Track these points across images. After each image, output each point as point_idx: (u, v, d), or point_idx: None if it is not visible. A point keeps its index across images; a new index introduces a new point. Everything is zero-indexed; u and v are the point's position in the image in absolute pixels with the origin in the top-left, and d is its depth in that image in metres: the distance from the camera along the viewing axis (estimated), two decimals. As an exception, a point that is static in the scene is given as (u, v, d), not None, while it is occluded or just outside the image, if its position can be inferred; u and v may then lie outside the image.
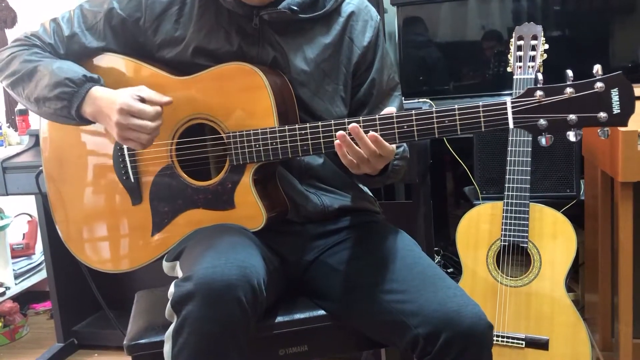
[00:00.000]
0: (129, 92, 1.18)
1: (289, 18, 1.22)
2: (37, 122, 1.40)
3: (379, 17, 1.33)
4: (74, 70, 1.23)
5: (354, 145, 1.07)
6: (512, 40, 1.73)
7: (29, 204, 2.69)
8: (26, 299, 2.88)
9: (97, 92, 1.21)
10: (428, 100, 2.08)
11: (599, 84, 0.98)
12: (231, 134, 1.21)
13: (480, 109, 1.04)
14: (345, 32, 1.28)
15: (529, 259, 1.73)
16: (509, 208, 1.72)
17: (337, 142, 1.07)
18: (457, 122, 1.05)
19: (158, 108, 1.18)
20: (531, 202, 1.72)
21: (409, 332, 1.08)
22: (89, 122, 1.25)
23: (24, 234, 2.89)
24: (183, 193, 1.26)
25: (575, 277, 2.34)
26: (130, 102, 1.16)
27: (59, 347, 2.37)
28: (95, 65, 1.32)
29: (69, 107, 1.21)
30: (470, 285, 1.77)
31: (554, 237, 1.72)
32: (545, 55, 1.70)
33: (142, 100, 1.17)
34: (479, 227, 1.80)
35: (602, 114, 0.98)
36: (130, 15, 1.27)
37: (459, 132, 1.06)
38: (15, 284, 2.68)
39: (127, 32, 1.28)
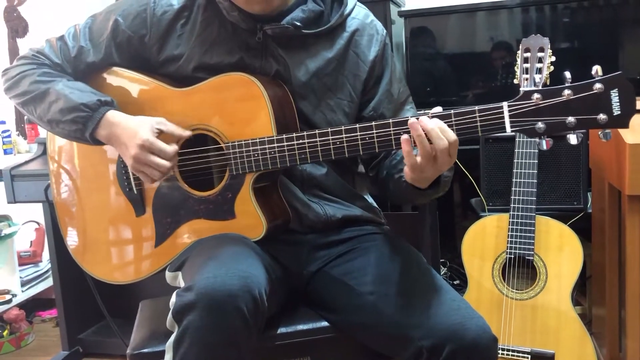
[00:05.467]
0: (150, 125, 1.20)
1: (293, 33, 1.22)
2: (45, 131, 1.41)
3: (385, 31, 1.33)
4: (88, 94, 1.25)
5: (424, 138, 1.02)
6: (519, 52, 1.73)
7: (36, 212, 2.70)
8: (32, 306, 2.89)
9: (114, 117, 1.23)
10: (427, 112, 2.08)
11: (597, 85, 0.95)
12: (230, 144, 1.21)
13: (477, 113, 1.02)
14: (350, 47, 1.28)
15: (535, 272, 1.72)
16: (515, 220, 1.71)
17: (404, 137, 1.04)
18: (454, 127, 1.03)
19: (176, 148, 1.20)
20: (537, 214, 1.71)
21: (413, 345, 1.07)
22: (101, 144, 1.26)
23: (31, 242, 2.90)
24: (185, 203, 1.26)
25: (583, 291, 2.32)
26: (152, 139, 1.18)
27: (64, 355, 2.37)
28: (101, 79, 1.33)
29: (83, 130, 1.23)
30: (475, 297, 1.76)
31: (560, 250, 1.71)
32: (552, 67, 1.69)
33: (161, 132, 1.20)
34: (485, 239, 1.79)
35: (602, 116, 0.95)
36: (136, 33, 1.27)
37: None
38: (22, 292, 2.69)
39: (132, 49, 1.29)
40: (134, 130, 1.19)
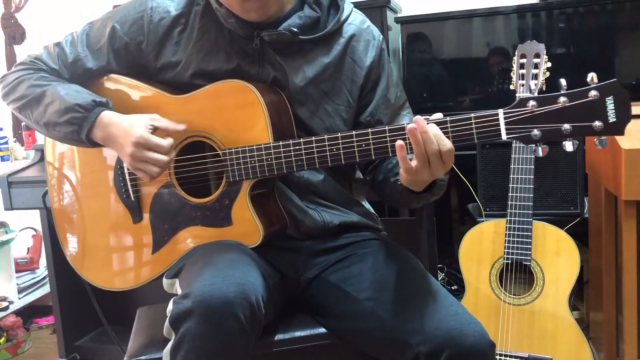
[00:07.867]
0: (144, 123, 1.19)
1: (290, 39, 1.23)
2: (43, 137, 1.42)
3: (381, 36, 1.33)
4: (83, 95, 1.25)
5: (422, 142, 1.02)
6: (515, 58, 1.74)
7: (33, 219, 2.70)
8: (29, 313, 2.88)
9: (108, 117, 1.23)
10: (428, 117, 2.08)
11: (593, 93, 0.95)
12: (227, 151, 1.21)
13: (473, 120, 1.03)
14: (347, 53, 1.28)
15: (532, 277, 1.72)
16: (512, 226, 1.72)
17: (398, 143, 1.03)
18: (450, 134, 1.04)
19: (171, 141, 1.20)
20: (534, 219, 1.72)
21: (410, 351, 1.07)
22: (98, 146, 1.26)
23: (28, 248, 2.90)
24: (182, 210, 1.26)
25: (580, 295, 2.33)
26: (147, 136, 1.18)
27: (62, 362, 2.36)
28: (98, 85, 1.33)
29: (79, 131, 1.23)
30: (473, 303, 1.76)
31: (557, 255, 1.71)
32: (547, 73, 1.70)
33: (155, 129, 1.19)
34: (482, 244, 1.79)
35: (598, 123, 0.95)
36: (133, 39, 1.28)
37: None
38: (19, 298, 2.69)
39: (129, 55, 1.30)
40: (128, 129, 1.19)
